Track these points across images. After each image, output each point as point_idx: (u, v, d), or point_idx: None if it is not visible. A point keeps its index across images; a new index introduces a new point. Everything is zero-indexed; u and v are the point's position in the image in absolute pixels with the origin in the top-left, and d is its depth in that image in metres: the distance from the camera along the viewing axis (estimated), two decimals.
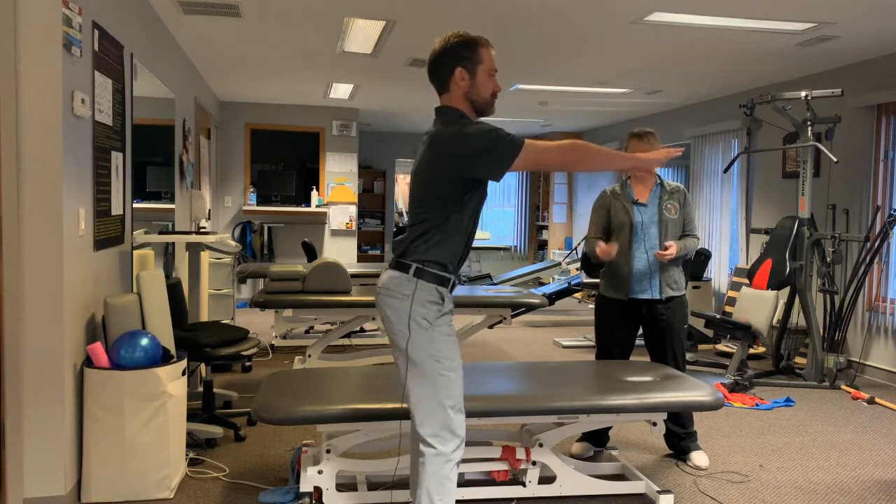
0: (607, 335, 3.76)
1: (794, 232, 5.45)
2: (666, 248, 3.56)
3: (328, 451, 2.93)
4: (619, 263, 3.67)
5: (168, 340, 3.45)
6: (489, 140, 2.29)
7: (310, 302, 4.75)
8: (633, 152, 3.69)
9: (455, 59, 2.39)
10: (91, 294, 3.27)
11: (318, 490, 2.96)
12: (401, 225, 12.39)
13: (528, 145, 2.30)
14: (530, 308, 5.09)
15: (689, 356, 6.12)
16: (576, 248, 9.24)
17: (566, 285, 7.79)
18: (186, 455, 3.51)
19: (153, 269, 3.57)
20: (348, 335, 6.52)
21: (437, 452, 2.35)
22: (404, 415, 2.76)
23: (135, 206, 4.08)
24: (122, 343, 3.11)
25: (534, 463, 3.12)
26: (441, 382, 2.35)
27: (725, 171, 5.81)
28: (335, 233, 9.47)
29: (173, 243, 5.22)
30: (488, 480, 3.23)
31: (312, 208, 9.17)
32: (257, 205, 9.07)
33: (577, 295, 9.56)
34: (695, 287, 6.71)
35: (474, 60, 2.39)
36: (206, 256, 5.22)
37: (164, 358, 3.25)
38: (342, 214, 9.41)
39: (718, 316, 5.75)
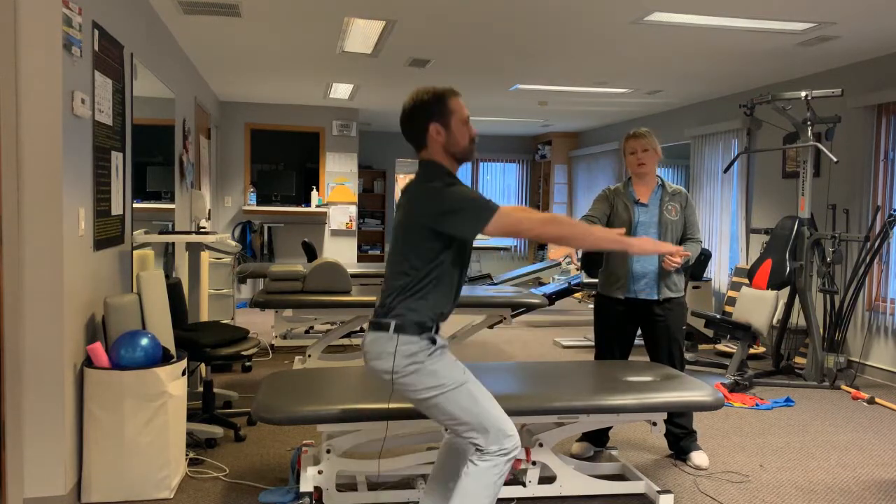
0: (606, 334, 3.76)
1: (794, 232, 5.45)
2: (673, 256, 3.50)
3: (328, 451, 2.93)
4: (616, 262, 3.66)
5: (168, 340, 3.45)
6: (464, 200, 2.30)
7: (310, 302, 4.75)
8: (630, 151, 3.70)
9: (427, 115, 2.39)
10: (91, 294, 3.27)
11: (318, 490, 2.96)
12: None
13: (501, 212, 2.29)
14: (530, 308, 5.09)
15: (689, 356, 6.12)
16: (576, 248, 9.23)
17: (566, 285, 7.79)
18: (186, 455, 3.51)
19: (153, 269, 3.57)
20: (348, 335, 6.52)
21: (492, 453, 2.35)
22: (403, 415, 2.76)
23: (135, 206, 4.08)
24: (122, 343, 3.11)
25: (534, 463, 3.12)
26: (456, 400, 2.35)
27: (725, 171, 5.81)
28: (335, 233, 9.47)
29: (173, 243, 5.23)
30: None
31: (312, 208, 9.17)
32: (257, 205, 9.07)
33: (577, 295, 9.57)
34: (695, 287, 6.71)
35: (446, 113, 2.40)
36: (206, 256, 5.22)
37: (164, 358, 3.25)
38: (342, 214, 9.41)
39: (718, 316, 5.75)
